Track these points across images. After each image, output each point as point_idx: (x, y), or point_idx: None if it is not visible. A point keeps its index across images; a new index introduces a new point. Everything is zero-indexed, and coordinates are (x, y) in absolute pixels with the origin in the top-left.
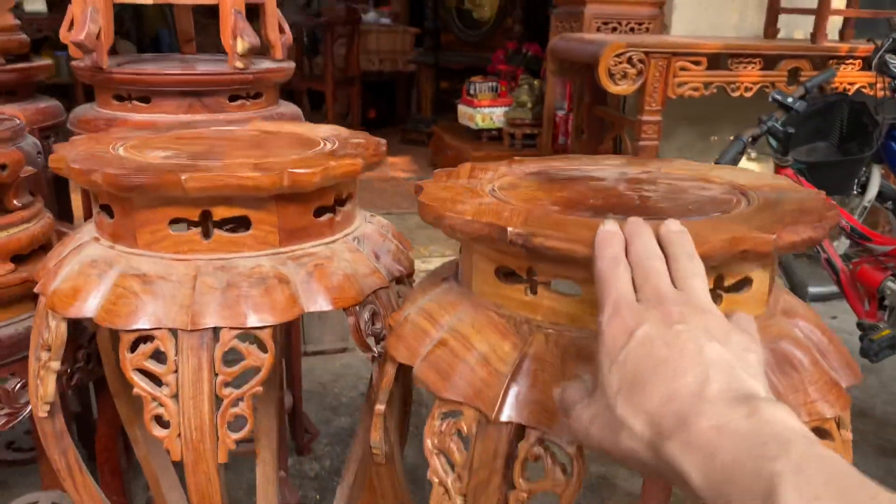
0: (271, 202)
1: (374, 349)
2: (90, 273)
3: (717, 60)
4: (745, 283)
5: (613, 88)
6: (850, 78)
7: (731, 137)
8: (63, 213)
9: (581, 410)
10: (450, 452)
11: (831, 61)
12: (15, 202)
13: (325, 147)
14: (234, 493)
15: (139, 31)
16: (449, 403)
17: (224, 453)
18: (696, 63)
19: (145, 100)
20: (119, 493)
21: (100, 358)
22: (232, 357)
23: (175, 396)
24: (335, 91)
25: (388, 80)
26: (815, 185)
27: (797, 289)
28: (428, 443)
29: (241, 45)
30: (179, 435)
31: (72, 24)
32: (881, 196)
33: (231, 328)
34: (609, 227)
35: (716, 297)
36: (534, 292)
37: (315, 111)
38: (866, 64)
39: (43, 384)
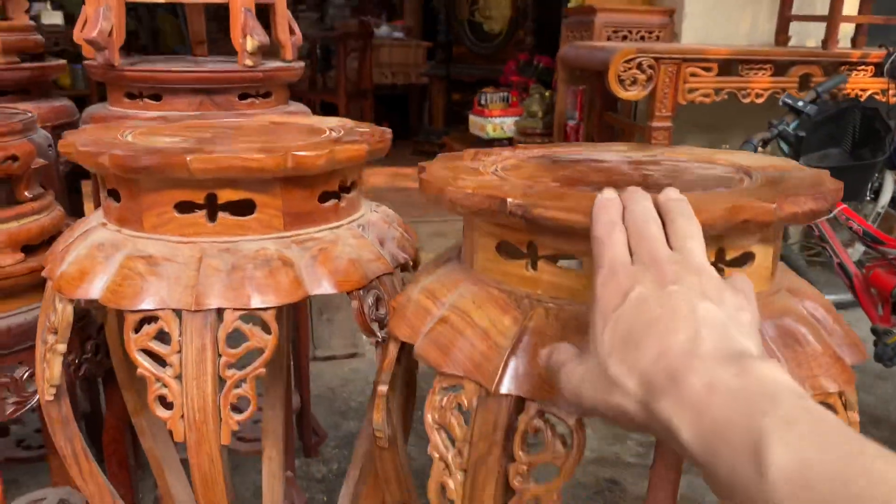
0: (276, 186)
1: (378, 334)
2: (97, 256)
3: (727, 66)
4: (748, 257)
5: (623, 94)
6: (862, 84)
7: (742, 142)
8: (74, 213)
9: (571, 370)
10: (450, 427)
11: (843, 67)
12: (26, 193)
13: (330, 135)
14: (241, 494)
15: (156, 49)
16: (449, 378)
17: (227, 434)
18: (707, 69)
19: (156, 97)
20: (126, 486)
21: (108, 349)
22: (237, 341)
23: (178, 377)
24: (348, 104)
25: (401, 93)
26: None
27: None
28: (428, 417)
29: (250, 43)
30: (183, 416)
31: (84, 25)
32: (894, 201)
33: (234, 309)
34: (607, 194)
35: (717, 272)
36: (534, 267)
37: None
38: (878, 70)
39: (49, 367)
